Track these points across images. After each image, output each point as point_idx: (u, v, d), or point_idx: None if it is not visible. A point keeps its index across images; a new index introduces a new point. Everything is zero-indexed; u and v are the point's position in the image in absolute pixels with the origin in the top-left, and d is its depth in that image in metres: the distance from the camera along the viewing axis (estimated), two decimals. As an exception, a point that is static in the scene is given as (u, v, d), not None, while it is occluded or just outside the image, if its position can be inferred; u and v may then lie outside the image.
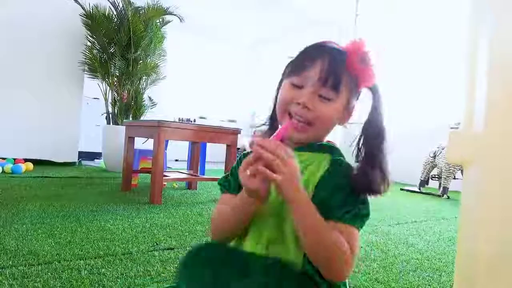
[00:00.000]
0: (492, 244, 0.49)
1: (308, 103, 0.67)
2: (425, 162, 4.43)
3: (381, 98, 0.72)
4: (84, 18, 4.25)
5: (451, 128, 4.00)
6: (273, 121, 0.79)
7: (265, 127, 0.80)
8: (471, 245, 0.54)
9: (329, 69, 0.66)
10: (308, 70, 0.67)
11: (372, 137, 0.70)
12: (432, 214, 2.89)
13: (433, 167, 4.40)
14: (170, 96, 6.75)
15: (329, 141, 0.75)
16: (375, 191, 0.68)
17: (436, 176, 4.38)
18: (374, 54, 0.68)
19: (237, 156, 0.83)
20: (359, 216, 0.67)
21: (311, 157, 0.71)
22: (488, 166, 0.50)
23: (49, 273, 1.15)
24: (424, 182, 4.48)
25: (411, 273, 1.44)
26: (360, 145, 0.72)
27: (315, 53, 0.69)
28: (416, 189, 4.47)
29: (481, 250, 0.51)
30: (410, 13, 5.33)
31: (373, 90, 0.72)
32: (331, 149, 0.73)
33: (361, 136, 0.72)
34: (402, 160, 5.10)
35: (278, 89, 0.76)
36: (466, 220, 0.55)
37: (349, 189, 0.67)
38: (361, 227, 0.67)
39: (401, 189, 4.52)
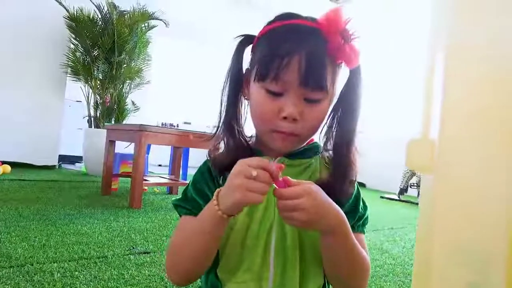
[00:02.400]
0: (445, 247, 0.53)
1: (295, 115, 0.55)
2: (405, 171, 4.52)
3: (361, 78, 0.60)
4: (68, 21, 4.22)
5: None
6: (230, 134, 0.63)
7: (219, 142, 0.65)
8: (426, 249, 0.57)
9: (311, 66, 0.54)
10: (285, 72, 0.54)
11: (347, 124, 0.60)
12: (409, 221, 2.95)
13: (412, 176, 4.49)
14: (155, 100, 6.72)
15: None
16: (341, 200, 0.60)
17: (415, 184, 4.48)
18: (353, 24, 0.56)
19: (201, 170, 0.67)
20: (366, 222, 0.65)
21: (303, 164, 0.64)
22: (442, 173, 0.53)
23: (20, 276, 1.14)
24: (403, 190, 4.57)
25: (383, 277, 1.47)
26: (332, 132, 0.62)
27: (289, 46, 0.54)
28: (396, 197, 4.55)
29: (435, 253, 0.54)
30: (394, 19, 5.46)
31: (355, 71, 0.59)
32: (316, 148, 0.66)
33: (333, 120, 0.62)
34: (382, 168, 5.20)
35: (235, 84, 0.62)
36: (422, 225, 0.58)
37: (354, 192, 0.63)
38: None
39: (381, 197, 4.59)
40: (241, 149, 0.62)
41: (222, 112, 0.64)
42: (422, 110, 0.60)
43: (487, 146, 0.47)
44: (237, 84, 0.63)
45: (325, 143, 0.63)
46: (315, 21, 0.57)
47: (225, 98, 0.64)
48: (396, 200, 4.48)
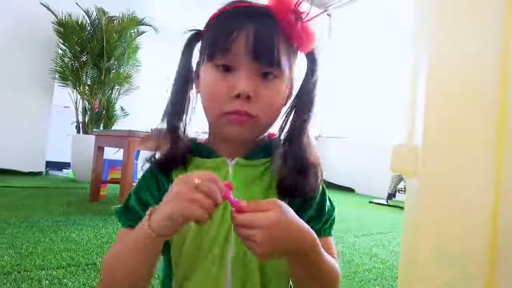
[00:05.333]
0: (428, 247, 0.54)
1: (249, 91, 0.51)
2: (393, 176, 4.56)
3: (317, 65, 0.58)
4: (56, 26, 4.19)
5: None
6: (175, 124, 0.59)
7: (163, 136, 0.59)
8: (411, 249, 0.59)
9: (261, 39, 0.51)
10: (233, 44, 0.51)
11: (301, 113, 0.57)
12: (398, 226, 2.98)
13: (400, 181, 4.54)
14: (144, 106, 6.69)
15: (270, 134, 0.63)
16: (307, 194, 0.56)
17: (403, 189, 4.53)
18: (306, 5, 0.54)
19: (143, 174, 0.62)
20: (333, 223, 0.61)
21: (263, 164, 0.59)
22: (425, 177, 0.55)
23: (7, 284, 1.13)
24: (391, 195, 4.61)
25: (372, 281, 1.49)
26: (286, 122, 0.59)
27: (237, 22, 0.52)
28: (384, 202, 4.60)
29: (419, 253, 0.56)
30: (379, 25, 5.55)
31: (310, 56, 0.58)
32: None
33: (290, 110, 0.59)
34: (371, 173, 5.26)
35: (183, 80, 0.59)
36: (407, 226, 0.60)
37: (319, 194, 0.59)
38: None
39: (370, 202, 4.63)
40: (182, 148, 0.58)
41: (167, 109, 0.60)
42: (406, 118, 0.62)
43: (467, 151, 0.49)
44: (185, 80, 0.60)
45: (280, 132, 0.60)
46: (265, 5, 0.55)
47: (171, 95, 0.60)
48: (384, 205, 4.52)
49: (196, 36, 0.61)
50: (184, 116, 0.60)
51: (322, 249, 0.51)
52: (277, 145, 0.59)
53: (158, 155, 0.59)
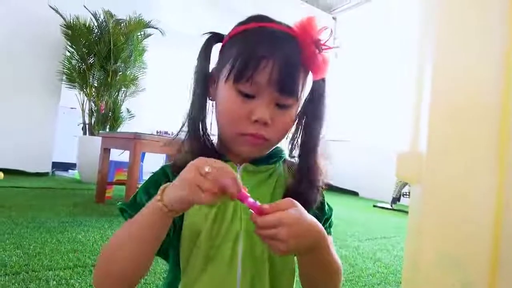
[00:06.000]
0: (432, 252, 0.55)
1: (267, 118, 0.55)
2: (397, 180, 4.56)
3: (326, 91, 0.61)
4: (64, 28, 4.24)
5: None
6: (199, 139, 0.60)
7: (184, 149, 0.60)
8: (415, 254, 0.60)
9: (286, 73, 0.54)
10: (259, 74, 0.53)
11: (310, 132, 0.60)
12: (402, 230, 2.98)
13: (404, 185, 4.54)
14: (150, 108, 6.72)
15: None
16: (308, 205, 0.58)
17: (408, 193, 4.52)
18: (325, 33, 0.56)
19: (156, 174, 0.63)
20: (332, 223, 0.64)
21: (269, 170, 0.63)
22: (429, 183, 0.56)
23: (16, 284, 1.15)
24: (396, 199, 4.61)
25: (375, 286, 1.50)
26: (296, 142, 0.62)
27: (266, 49, 0.54)
28: (388, 206, 4.59)
29: (423, 258, 0.57)
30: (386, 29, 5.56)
31: (320, 82, 0.60)
32: (279, 152, 0.65)
33: (297, 127, 0.62)
34: (375, 177, 5.25)
35: (203, 84, 0.61)
36: (411, 232, 0.61)
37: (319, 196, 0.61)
38: None
39: (374, 206, 4.63)
40: (206, 152, 0.58)
41: (190, 113, 0.61)
42: (410, 124, 0.63)
43: (471, 158, 0.50)
44: (205, 84, 0.61)
45: (291, 151, 0.63)
46: (290, 28, 0.57)
47: (192, 103, 0.61)
48: (389, 209, 4.51)
49: (215, 38, 0.63)
50: (205, 121, 0.62)
51: (330, 246, 0.54)
52: (282, 155, 0.64)
53: (179, 159, 0.59)
